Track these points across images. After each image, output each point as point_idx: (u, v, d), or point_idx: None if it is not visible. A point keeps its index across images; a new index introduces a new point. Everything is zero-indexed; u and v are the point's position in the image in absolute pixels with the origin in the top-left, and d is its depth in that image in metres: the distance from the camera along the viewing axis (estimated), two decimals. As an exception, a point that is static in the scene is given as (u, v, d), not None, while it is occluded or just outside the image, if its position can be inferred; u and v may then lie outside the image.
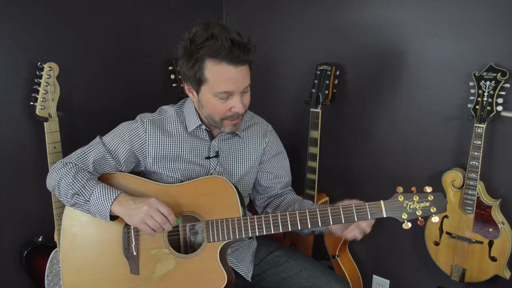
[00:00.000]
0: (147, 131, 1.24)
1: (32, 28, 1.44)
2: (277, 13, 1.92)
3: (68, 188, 1.15)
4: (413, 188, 1.12)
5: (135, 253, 1.18)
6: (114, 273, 1.18)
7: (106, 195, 1.12)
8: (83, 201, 1.14)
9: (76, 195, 1.14)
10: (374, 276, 1.94)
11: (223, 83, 1.12)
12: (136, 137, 1.24)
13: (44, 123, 1.41)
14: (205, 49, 1.10)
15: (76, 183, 1.15)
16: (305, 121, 1.77)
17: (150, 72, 1.83)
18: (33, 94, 1.41)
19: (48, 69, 1.40)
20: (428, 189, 1.10)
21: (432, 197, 1.09)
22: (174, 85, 1.81)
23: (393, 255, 1.85)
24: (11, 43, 1.40)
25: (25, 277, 1.52)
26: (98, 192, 1.12)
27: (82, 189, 1.14)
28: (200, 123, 1.26)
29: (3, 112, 1.42)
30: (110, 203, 1.11)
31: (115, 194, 1.12)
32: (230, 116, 1.19)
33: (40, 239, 1.52)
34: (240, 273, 1.34)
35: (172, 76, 1.80)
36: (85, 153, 1.22)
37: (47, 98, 1.42)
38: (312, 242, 1.80)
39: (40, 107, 1.40)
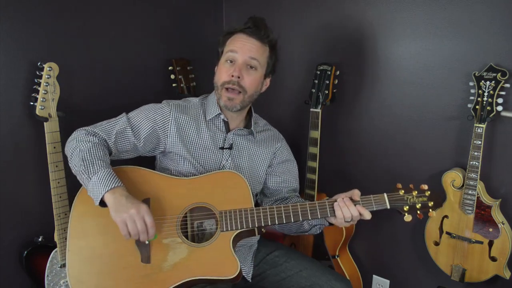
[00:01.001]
0: (172, 112, 1.31)
1: (32, 28, 1.44)
2: (277, 13, 1.92)
3: (79, 159, 1.17)
4: (411, 185, 1.22)
5: (147, 242, 1.18)
6: (124, 261, 1.18)
7: (107, 181, 1.12)
8: (86, 176, 1.15)
9: (82, 167, 1.16)
10: (374, 276, 1.94)
11: (232, 44, 1.29)
12: (160, 115, 1.30)
13: (44, 123, 1.41)
14: (236, 29, 1.30)
15: (88, 156, 1.17)
16: (305, 121, 1.77)
17: (150, 72, 1.83)
18: (33, 94, 1.41)
19: (48, 69, 1.40)
20: (425, 186, 1.22)
21: (429, 192, 1.21)
22: (174, 85, 1.81)
23: (393, 255, 1.85)
24: (11, 43, 1.40)
25: (25, 277, 1.51)
26: (101, 175, 1.13)
27: (90, 166, 1.15)
28: (219, 111, 1.33)
29: (3, 112, 1.42)
30: (106, 189, 1.11)
31: (115, 184, 1.12)
32: (227, 82, 1.27)
33: (40, 239, 1.51)
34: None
35: (172, 76, 1.80)
36: (110, 124, 1.28)
37: (47, 98, 1.42)
38: (312, 242, 1.80)
39: (40, 107, 1.40)
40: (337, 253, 1.79)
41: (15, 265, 1.50)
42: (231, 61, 1.28)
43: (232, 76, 1.26)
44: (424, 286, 1.78)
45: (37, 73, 1.41)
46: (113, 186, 1.12)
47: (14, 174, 1.47)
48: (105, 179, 1.12)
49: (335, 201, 1.20)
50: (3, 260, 1.48)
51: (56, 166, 1.42)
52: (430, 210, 1.20)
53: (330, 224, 1.27)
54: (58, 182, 1.43)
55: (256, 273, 1.39)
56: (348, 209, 1.17)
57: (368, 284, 1.95)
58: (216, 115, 1.34)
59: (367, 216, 1.18)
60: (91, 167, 1.15)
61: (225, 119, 1.35)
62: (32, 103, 1.41)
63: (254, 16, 1.30)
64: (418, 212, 1.19)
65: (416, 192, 1.20)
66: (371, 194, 1.20)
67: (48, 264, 1.48)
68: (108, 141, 1.24)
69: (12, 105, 1.43)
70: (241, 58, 1.26)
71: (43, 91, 1.41)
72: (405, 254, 1.81)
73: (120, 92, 1.74)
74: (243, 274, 1.34)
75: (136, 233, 1.10)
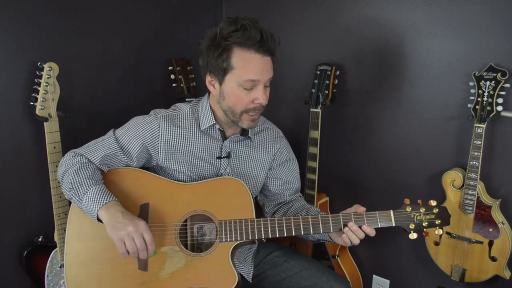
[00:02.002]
0: (161, 126, 1.24)
1: (32, 28, 1.44)
2: (277, 13, 1.92)
3: (68, 183, 1.16)
4: (419, 201, 1.17)
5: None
6: (121, 268, 1.17)
7: (98, 199, 1.11)
8: (77, 199, 1.14)
9: (72, 191, 1.15)
10: (374, 276, 1.94)
11: (250, 70, 1.14)
12: (149, 132, 1.24)
13: (44, 123, 1.41)
14: (234, 37, 1.12)
15: (76, 178, 1.15)
16: (305, 121, 1.77)
17: (150, 72, 1.83)
18: (33, 94, 1.41)
19: (48, 69, 1.40)
20: (433, 202, 1.17)
21: (437, 210, 1.16)
22: (174, 85, 1.81)
23: (393, 255, 1.85)
24: (11, 43, 1.40)
25: (25, 277, 1.51)
26: (91, 194, 1.12)
27: (79, 187, 1.14)
28: (214, 122, 1.26)
29: (3, 112, 1.42)
30: (99, 206, 1.10)
31: (107, 200, 1.11)
32: (252, 109, 1.19)
33: (40, 239, 1.52)
34: (241, 273, 1.34)
35: (172, 76, 1.80)
36: (96, 146, 1.24)
37: (47, 98, 1.42)
38: (312, 242, 1.80)
39: (40, 107, 1.40)
40: (337, 253, 1.79)
41: (15, 265, 1.51)
42: (249, 87, 1.16)
43: (259, 103, 1.18)
44: (424, 286, 1.78)
45: (37, 73, 1.41)
46: (105, 202, 1.10)
47: (14, 174, 1.47)
48: (95, 196, 1.11)
49: (340, 218, 1.16)
50: (3, 260, 1.48)
51: (56, 166, 1.42)
52: (437, 228, 1.15)
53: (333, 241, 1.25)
54: (58, 182, 1.43)
55: (256, 273, 1.39)
56: (356, 236, 1.14)
57: (368, 284, 1.95)
58: (211, 125, 1.27)
59: (372, 234, 1.15)
60: (80, 189, 1.14)
61: (221, 128, 1.29)
62: (32, 103, 1.41)
63: (252, 21, 1.14)
64: (425, 230, 1.15)
65: (424, 209, 1.15)
66: (377, 211, 1.16)
67: (48, 264, 1.49)
68: (94, 162, 1.21)
69: (12, 105, 1.43)
70: (262, 83, 1.17)
71: (43, 91, 1.41)
72: (405, 254, 1.81)
73: (120, 92, 1.74)
74: (243, 275, 1.34)
75: (135, 251, 1.07)
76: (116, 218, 1.08)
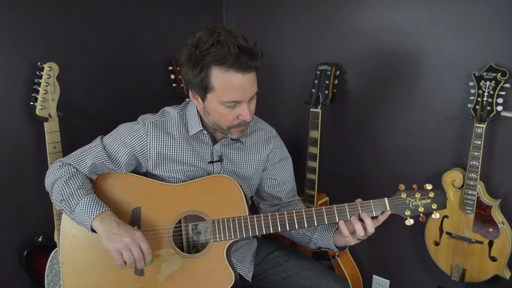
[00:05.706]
0: (149, 133, 1.22)
1: (32, 28, 1.44)
2: (277, 13, 1.92)
3: (58, 194, 1.15)
4: (414, 186, 1.15)
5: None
6: (118, 275, 1.17)
7: (90, 210, 1.10)
8: (69, 210, 1.13)
9: (63, 202, 1.14)
10: (374, 276, 1.94)
11: (231, 91, 1.09)
12: (137, 140, 1.22)
13: (44, 123, 1.41)
14: (211, 55, 1.05)
15: (67, 189, 1.14)
16: (305, 121, 1.77)
17: (150, 72, 1.84)
18: (33, 94, 1.41)
19: (48, 69, 1.40)
20: (429, 186, 1.14)
21: (433, 194, 1.13)
22: (174, 85, 1.81)
23: (393, 255, 1.85)
24: (11, 43, 1.40)
25: (25, 277, 1.52)
26: (83, 204, 1.11)
27: (70, 198, 1.13)
28: (201, 128, 1.24)
29: (3, 112, 1.42)
30: (93, 217, 1.09)
31: (100, 210, 1.10)
32: (237, 124, 1.17)
33: (40, 239, 1.52)
34: (240, 273, 1.33)
35: (172, 76, 1.80)
36: (84, 155, 1.21)
37: (47, 98, 1.42)
38: (312, 242, 1.80)
39: (40, 107, 1.40)
40: (337, 253, 1.79)
41: (15, 265, 1.51)
42: (232, 106, 1.12)
43: (244, 119, 1.15)
44: (424, 286, 1.78)
45: (37, 73, 1.41)
46: (98, 213, 1.10)
47: (14, 174, 1.47)
48: (88, 207, 1.10)
49: (334, 210, 1.14)
50: (3, 260, 1.48)
51: (56, 166, 1.42)
52: (434, 211, 1.13)
53: (339, 249, 1.24)
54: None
55: (256, 273, 1.39)
56: (361, 227, 1.11)
57: (368, 284, 1.95)
58: (198, 131, 1.23)
59: (369, 222, 1.12)
60: (71, 200, 1.13)
61: (210, 133, 1.26)
62: (32, 103, 1.41)
63: (229, 35, 1.06)
64: (421, 215, 1.13)
65: (420, 194, 1.12)
66: (371, 199, 1.15)
67: (48, 264, 1.49)
68: (82, 171, 1.19)
69: (12, 105, 1.43)
70: (246, 100, 1.12)
71: (43, 91, 1.41)
72: (405, 254, 1.81)
73: (120, 92, 1.74)
74: (242, 274, 1.34)
75: (132, 262, 1.07)
76: (112, 229, 1.07)
